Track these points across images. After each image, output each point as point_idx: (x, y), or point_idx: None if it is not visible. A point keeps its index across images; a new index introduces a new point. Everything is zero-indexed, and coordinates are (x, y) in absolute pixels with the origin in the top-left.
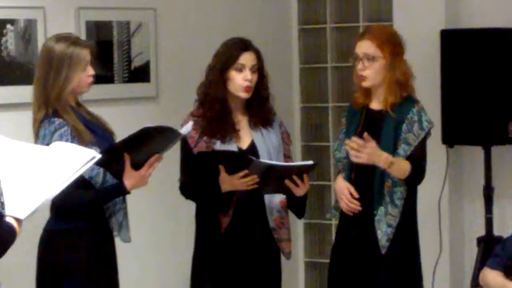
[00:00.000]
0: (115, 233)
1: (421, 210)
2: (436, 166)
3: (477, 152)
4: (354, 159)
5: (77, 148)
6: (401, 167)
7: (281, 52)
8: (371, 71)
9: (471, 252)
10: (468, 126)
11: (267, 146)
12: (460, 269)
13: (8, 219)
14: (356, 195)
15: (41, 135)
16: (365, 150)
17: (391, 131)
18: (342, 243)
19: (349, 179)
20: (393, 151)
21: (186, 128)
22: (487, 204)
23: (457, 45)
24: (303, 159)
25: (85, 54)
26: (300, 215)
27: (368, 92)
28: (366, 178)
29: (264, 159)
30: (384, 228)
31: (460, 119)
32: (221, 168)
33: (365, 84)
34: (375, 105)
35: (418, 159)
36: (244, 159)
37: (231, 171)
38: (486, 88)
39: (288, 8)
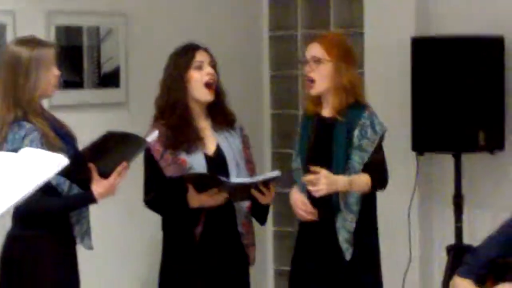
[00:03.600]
0: (78, 240)
1: (390, 219)
2: (406, 174)
3: (447, 160)
4: (316, 194)
5: (43, 153)
6: (361, 183)
7: (252, 59)
8: (317, 74)
9: (441, 260)
10: (438, 133)
11: (233, 151)
12: (430, 278)
13: None
14: (310, 207)
15: (10, 139)
16: (321, 181)
17: (343, 138)
18: (303, 252)
19: (305, 191)
20: (345, 157)
21: (152, 136)
22: (456, 213)
23: (428, 52)
24: (273, 166)
25: (50, 54)
26: (262, 222)
27: (318, 100)
28: None
29: (232, 167)
30: (345, 234)
31: (430, 126)
32: (190, 186)
33: (313, 91)
34: (326, 112)
35: (378, 164)
36: (214, 180)
37: (199, 189)
38: (456, 96)
39: (259, 14)
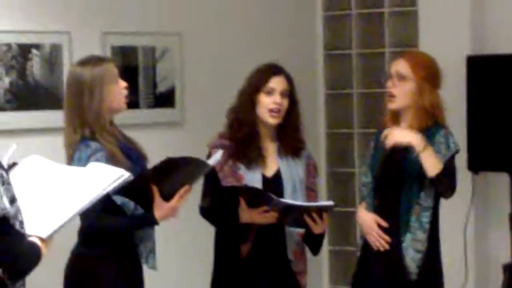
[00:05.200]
0: (142, 260)
1: (446, 238)
2: (462, 193)
3: (503, 179)
4: (388, 142)
5: (106, 167)
6: (434, 156)
7: (307, 78)
8: (399, 90)
9: (497, 280)
10: (494, 152)
11: (292, 177)
12: None
13: (32, 239)
14: (385, 225)
15: (76, 158)
16: (393, 131)
17: (416, 157)
18: (364, 271)
19: (372, 207)
20: (419, 177)
21: (215, 159)
22: None
23: (483, 70)
24: (328, 185)
25: (111, 68)
26: (315, 252)
27: (396, 116)
28: (390, 205)
29: (287, 191)
30: (412, 254)
31: (486, 145)
32: (241, 200)
33: (392, 105)
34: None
35: (448, 172)
36: (264, 197)
37: (251, 204)
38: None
39: (314, 34)
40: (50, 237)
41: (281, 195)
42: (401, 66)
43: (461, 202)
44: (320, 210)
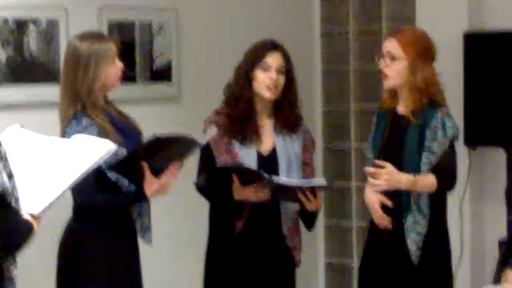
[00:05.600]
0: (139, 235)
1: None
2: (458, 168)
3: (499, 154)
4: (374, 189)
5: (93, 140)
6: (426, 184)
7: (304, 55)
8: (391, 70)
9: (493, 254)
10: (491, 128)
11: (288, 154)
12: (482, 272)
13: (24, 215)
14: (390, 204)
15: (67, 133)
16: (382, 177)
17: (414, 140)
18: (372, 249)
19: None
20: (417, 159)
21: (207, 137)
22: (508, 206)
23: (480, 47)
24: (325, 161)
25: (111, 47)
26: (309, 227)
27: (394, 94)
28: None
29: (283, 168)
30: (413, 236)
31: (483, 121)
32: (234, 178)
33: (386, 84)
34: (401, 108)
35: (445, 167)
36: (256, 175)
37: (244, 182)
38: (509, 90)
39: (311, 10)
40: (42, 213)
41: (276, 171)
42: (391, 46)
43: (458, 178)
44: (313, 188)
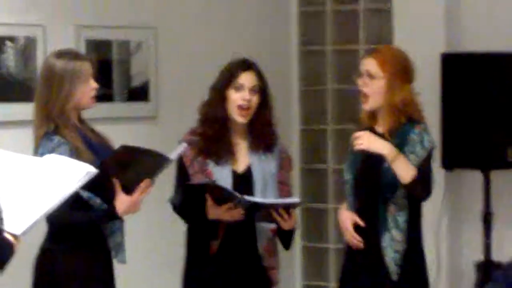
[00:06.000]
0: (112, 253)
1: None
2: (434, 190)
3: (476, 177)
4: (357, 147)
5: (71, 162)
6: (406, 164)
7: (281, 74)
8: (370, 89)
9: (470, 278)
10: (467, 150)
11: (264, 173)
12: None
13: (5, 235)
14: (361, 224)
15: (39, 152)
16: (364, 137)
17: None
18: (350, 269)
19: (354, 207)
20: (394, 179)
21: (177, 152)
22: (485, 229)
23: (458, 68)
24: (302, 181)
25: (86, 67)
26: (286, 247)
27: (373, 114)
28: (368, 205)
29: (258, 187)
30: (392, 254)
31: (459, 143)
32: (208, 197)
33: (366, 106)
34: (380, 128)
35: (422, 172)
36: (228, 194)
37: (218, 201)
38: (486, 112)
39: (288, 29)
40: (23, 234)
41: (251, 190)
42: (369, 65)
43: (434, 199)
44: (288, 206)
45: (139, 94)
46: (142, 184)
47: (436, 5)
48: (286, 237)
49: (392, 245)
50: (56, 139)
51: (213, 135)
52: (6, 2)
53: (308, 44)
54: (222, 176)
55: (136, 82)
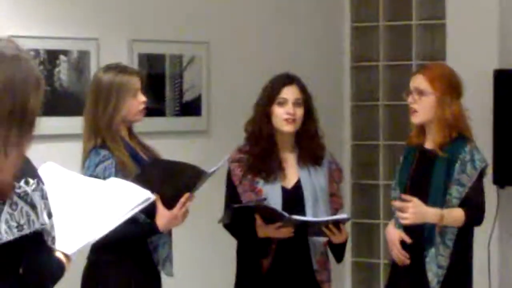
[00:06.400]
0: (159, 266)
1: None
2: (487, 208)
3: None
4: (401, 222)
5: (132, 187)
6: (454, 218)
7: (333, 89)
8: (420, 106)
9: None
10: None
11: (313, 186)
12: None
13: (58, 254)
14: (408, 241)
15: (86, 166)
16: (409, 210)
17: (442, 172)
18: (394, 282)
19: (401, 224)
20: (444, 192)
21: (216, 167)
22: None
23: (510, 84)
24: (353, 197)
25: (134, 81)
26: (338, 259)
27: (422, 131)
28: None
29: (309, 202)
30: (434, 269)
31: None
32: (257, 216)
33: (415, 119)
34: (429, 144)
35: (474, 201)
36: (277, 214)
37: (267, 221)
38: None
39: (341, 45)
40: (74, 254)
41: (301, 205)
42: (419, 82)
43: (486, 217)
44: (337, 222)
45: (191, 108)
46: (182, 199)
47: (490, 22)
48: (337, 251)
49: (436, 260)
50: (103, 153)
51: (260, 152)
52: (61, 17)
53: (360, 60)
54: (273, 193)
55: (188, 96)
